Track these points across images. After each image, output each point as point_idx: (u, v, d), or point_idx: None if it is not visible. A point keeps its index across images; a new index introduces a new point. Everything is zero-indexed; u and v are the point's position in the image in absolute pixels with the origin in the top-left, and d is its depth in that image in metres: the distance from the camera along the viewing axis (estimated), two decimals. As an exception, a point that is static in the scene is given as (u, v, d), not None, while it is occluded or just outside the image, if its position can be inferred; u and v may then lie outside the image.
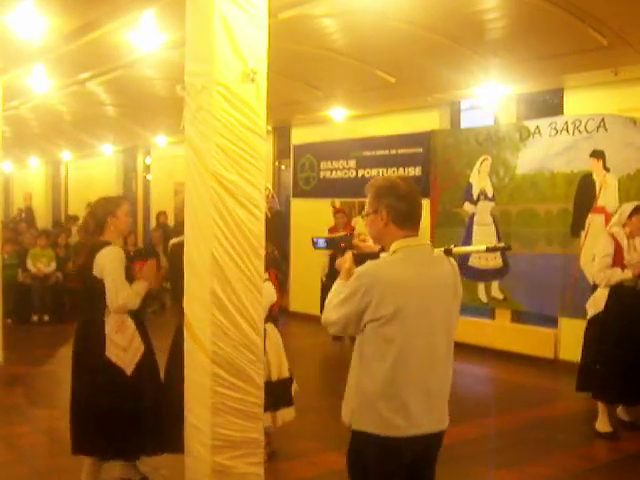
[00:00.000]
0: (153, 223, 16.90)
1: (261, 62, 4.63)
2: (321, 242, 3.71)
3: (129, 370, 5.18)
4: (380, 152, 12.12)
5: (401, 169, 11.71)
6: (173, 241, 5.16)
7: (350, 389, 3.28)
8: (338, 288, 3.31)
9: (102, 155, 19.15)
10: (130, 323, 5.24)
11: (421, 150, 11.41)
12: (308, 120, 12.94)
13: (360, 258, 3.38)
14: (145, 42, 7.68)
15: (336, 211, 11.91)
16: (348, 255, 3.42)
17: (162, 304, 13.77)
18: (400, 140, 11.78)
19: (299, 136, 13.61)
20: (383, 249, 3.35)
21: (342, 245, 3.53)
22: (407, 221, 3.23)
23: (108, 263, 5.12)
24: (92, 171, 20.27)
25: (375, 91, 10.50)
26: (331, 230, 11.25)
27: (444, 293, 3.26)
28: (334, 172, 12.99)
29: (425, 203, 9.28)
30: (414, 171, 11.53)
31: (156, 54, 8.34)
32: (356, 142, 12.48)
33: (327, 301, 3.32)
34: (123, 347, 5.18)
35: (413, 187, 3.33)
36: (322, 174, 13.22)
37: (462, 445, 6.43)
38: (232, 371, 4.58)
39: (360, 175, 12.40)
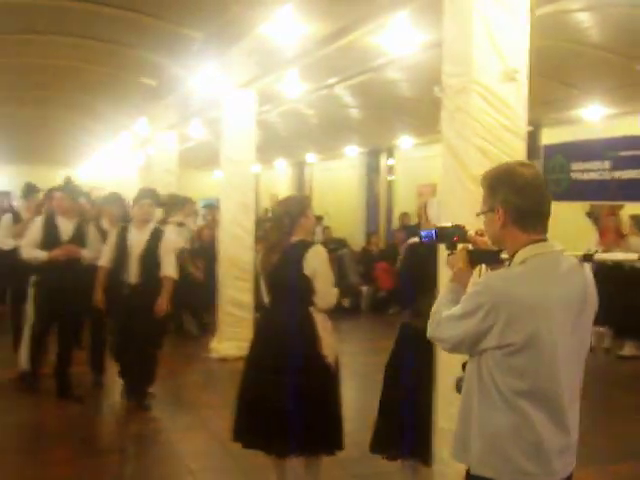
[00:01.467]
0: (395, 224, 17.06)
1: (522, 61, 4.52)
2: (429, 234, 3.07)
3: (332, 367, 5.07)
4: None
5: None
6: (411, 241, 5.09)
7: (467, 423, 2.71)
8: (448, 295, 2.84)
9: (346, 157, 19.59)
10: (329, 322, 5.23)
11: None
12: (559, 120, 12.51)
13: (476, 256, 2.88)
14: (396, 45, 7.75)
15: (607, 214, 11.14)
16: (461, 252, 2.91)
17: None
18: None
19: (549, 136, 13.17)
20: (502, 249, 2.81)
21: (455, 239, 2.97)
22: (532, 221, 2.65)
23: (322, 263, 5.02)
24: (336, 173, 20.80)
25: (635, 87, 9.93)
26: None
27: (583, 312, 2.65)
28: (586, 173, 12.42)
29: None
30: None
31: (405, 56, 8.38)
32: (611, 141, 11.83)
33: (433, 309, 2.84)
34: (328, 344, 5.08)
35: (537, 175, 2.71)
36: (573, 175, 12.70)
37: None
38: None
39: (616, 177, 11.76)
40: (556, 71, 9.66)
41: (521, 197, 2.62)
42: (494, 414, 2.61)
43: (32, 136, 19.55)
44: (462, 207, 4.43)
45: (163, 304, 7.10)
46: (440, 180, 4.76)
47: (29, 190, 8.94)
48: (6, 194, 23.92)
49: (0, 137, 19.92)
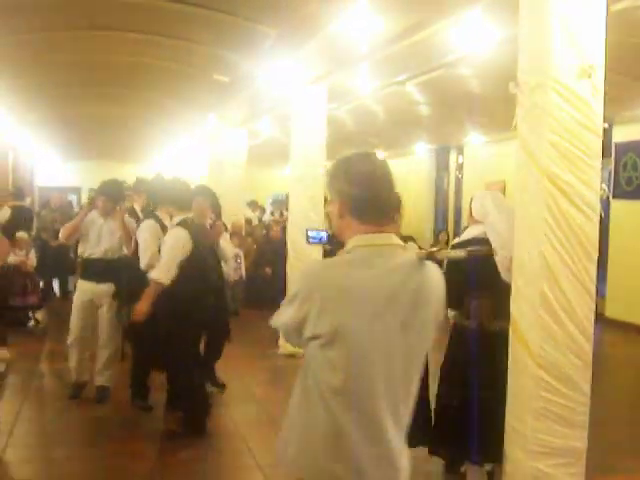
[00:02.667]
0: (463, 222, 16.95)
1: (599, 57, 4.46)
2: (318, 236, 2.69)
3: None
4: None
5: None
6: (454, 241, 5.11)
7: (291, 421, 2.58)
8: None
9: (415, 153, 19.52)
10: None
11: None
12: (632, 117, 12.25)
13: None
14: (469, 41, 7.69)
15: None
16: None
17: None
18: None
19: (622, 134, 12.91)
20: None
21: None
22: (369, 212, 2.46)
23: None
24: (404, 169, 20.71)
25: None
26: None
27: (416, 309, 2.43)
28: (659, 172, 12.16)
29: None
30: None
31: (477, 53, 8.31)
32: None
33: None
34: None
35: (377, 166, 2.53)
36: (646, 174, 12.44)
37: None
38: (558, 376, 4.47)
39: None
40: (629, 68, 9.46)
41: (355, 188, 2.46)
42: (310, 413, 2.45)
43: (102, 133, 19.90)
44: (535, 204, 4.40)
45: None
46: (513, 177, 4.72)
47: (139, 183, 8.79)
48: (76, 190, 24.50)
49: (70, 134, 20.37)
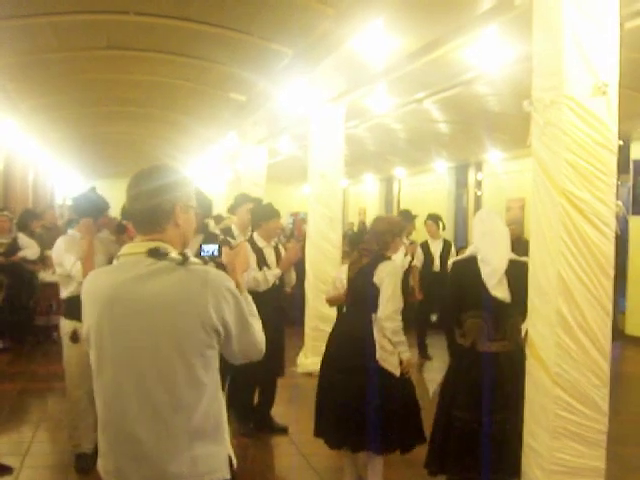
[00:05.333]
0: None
1: (613, 74, 4.45)
2: (209, 249, 2.84)
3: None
4: None
5: None
6: (455, 259, 5.13)
7: None
8: None
9: (434, 171, 19.50)
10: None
11: None
12: (650, 134, 12.21)
13: None
14: (485, 59, 7.72)
15: None
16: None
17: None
18: None
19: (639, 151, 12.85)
20: None
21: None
22: (135, 223, 2.65)
23: (393, 276, 5.20)
24: (424, 187, 20.72)
25: None
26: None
27: (171, 316, 2.48)
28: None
29: None
30: None
31: (494, 70, 8.33)
32: None
33: None
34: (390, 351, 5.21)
35: (140, 177, 2.64)
36: (665, 191, 12.38)
37: None
38: (575, 395, 4.44)
39: None
40: (646, 83, 9.43)
41: (127, 201, 2.64)
42: None
43: (121, 151, 20.10)
44: (551, 221, 4.39)
45: None
46: (530, 195, 4.71)
47: (242, 201, 7.81)
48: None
49: (90, 153, 20.59)
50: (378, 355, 5.15)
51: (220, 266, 2.76)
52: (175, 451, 2.48)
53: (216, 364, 2.59)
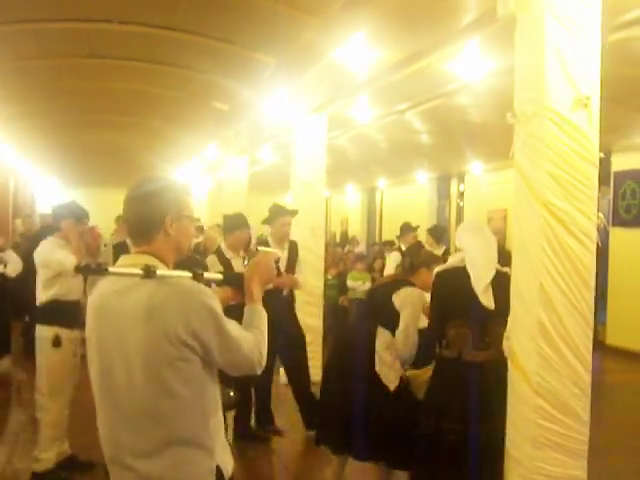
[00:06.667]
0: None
1: (594, 87, 4.49)
2: None
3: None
4: None
5: None
6: (438, 269, 5.10)
7: None
8: None
9: (416, 182, 19.57)
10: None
11: None
12: (630, 146, 12.32)
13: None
14: (467, 71, 7.77)
15: None
16: None
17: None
18: None
19: (621, 163, 12.97)
20: None
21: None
22: (129, 235, 2.72)
23: (412, 306, 5.24)
24: (406, 198, 20.79)
25: None
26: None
27: (127, 327, 2.52)
28: (658, 200, 12.21)
29: None
30: None
31: (477, 82, 8.39)
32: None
33: None
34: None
35: (133, 188, 2.72)
36: (645, 202, 12.49)
37: None
38: (556, 404, 4.46)
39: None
40: (627, 97, 9.54)
41: (123, 213, 2.73)
42: None
43: (102, 160, 20.01)
44: (533, 233, 4.42)
45: None
46: (512, 206, 4.74)
47: (278, 213, 7.35)
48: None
49: (71, 161, 20.49)
50: (377, 367, 5.18)
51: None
52: (155, 457, 2.51)
53: (199, 376, 2.55)
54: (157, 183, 2.70)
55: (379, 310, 5.36)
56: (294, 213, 7.53)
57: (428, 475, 4.98)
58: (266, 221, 7.34)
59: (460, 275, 4.81)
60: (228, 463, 2.68)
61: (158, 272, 2.47)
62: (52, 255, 5.63)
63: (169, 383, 2.49)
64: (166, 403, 2.50)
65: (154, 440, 2.51)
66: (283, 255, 7.07)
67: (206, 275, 2.69)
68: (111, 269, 2.46)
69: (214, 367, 2.61)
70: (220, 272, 2.76)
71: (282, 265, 7.02)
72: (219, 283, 2.87)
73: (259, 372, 2.68)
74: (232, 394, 3.00)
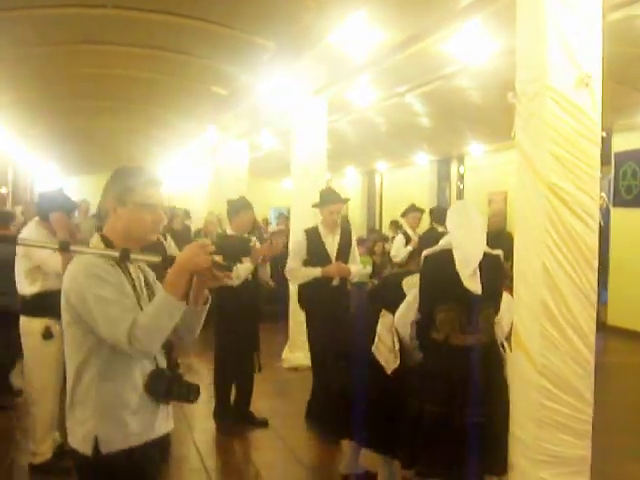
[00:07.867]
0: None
1: (596, 66, 4.47)
2: None
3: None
4: None
5: None
6: (426, 252, 5.01)
7: None
8: None
9: (416, 164, 19.52)
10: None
11: None
12: (631, 126, 12.27)
13: None
14: (468, 52, 7.72)
15: None
16: None
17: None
18: None
19: (621, 142, 12.92)
20: None
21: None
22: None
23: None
24: (406, 180, 20.73)
25: None
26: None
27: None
28: (659, 180, 12.18)
29: None
30: None
31: (477, 63, 8.34)
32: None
33: None
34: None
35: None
36: (646, 182, 12.47)
37: None
38: (560, 385, 4.46)
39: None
40: (628, 76, 9.48)
41: None
42: None
43: (101, 146, 19.92)
44: (535, 213, 4.40)
45: None
46: (512, 187, 4.72)
47: (328, 199, 7.18)
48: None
49: (70, 148, 20.41)
50: (374, 348, 5.14)
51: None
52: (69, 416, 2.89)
53: (85, 343, 2.79)
54: (116, 172, 2.98)
55: (388, 295, 5.28)
56: (345, 200, 7.46)
57: (410, 457, 4.94)
58: (316, 205, 7.28)
59: (448, 258, 4.69)
60: (109, 435, 2.81)
61: (72, 247, 2.82)
62: (36, 252, 5.40)
63: (71, 346, 2.84)
64: (69, 365, 2.86)
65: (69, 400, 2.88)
66: (334, 242, 7.03)
67: (140, 257, 2.87)
68: (20, 239, 2.72)
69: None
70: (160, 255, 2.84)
71: (332, 253, 7.00)
72: (156, 265, 2.95)
73: (130, 350, 2.71)
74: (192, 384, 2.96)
